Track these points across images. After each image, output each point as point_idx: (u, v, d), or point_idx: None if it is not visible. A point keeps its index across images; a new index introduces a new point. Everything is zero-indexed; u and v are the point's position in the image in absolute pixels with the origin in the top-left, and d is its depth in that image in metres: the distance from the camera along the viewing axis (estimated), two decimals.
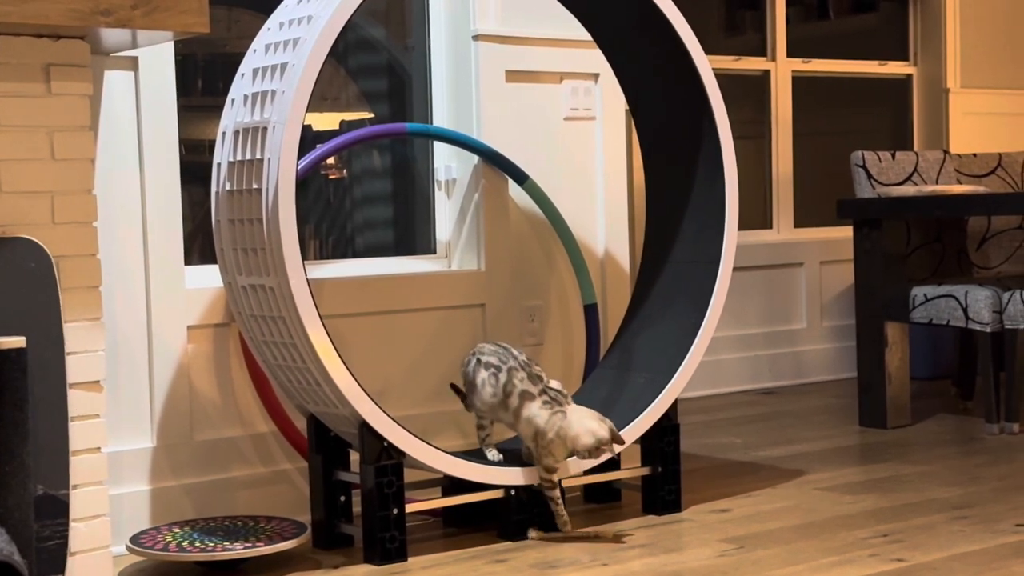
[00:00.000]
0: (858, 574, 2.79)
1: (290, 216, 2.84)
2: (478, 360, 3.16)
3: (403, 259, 3.84)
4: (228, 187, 3.01)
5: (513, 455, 3.21)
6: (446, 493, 3.26)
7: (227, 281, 3.09)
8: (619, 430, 3.26)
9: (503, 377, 3.13)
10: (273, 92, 2.91)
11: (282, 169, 2.83)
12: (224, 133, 3.05)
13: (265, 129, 2.90)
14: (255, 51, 3.05)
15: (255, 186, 2.91)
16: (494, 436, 3.22)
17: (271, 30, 3.05)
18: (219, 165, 3.06)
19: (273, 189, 2.84)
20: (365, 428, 2.95)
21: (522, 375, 3.14)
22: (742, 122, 5.63)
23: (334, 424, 3.09)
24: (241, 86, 3.04)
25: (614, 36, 3.58)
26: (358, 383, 2.93)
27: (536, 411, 3.11)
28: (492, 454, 3.17)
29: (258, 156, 2.91)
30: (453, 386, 3.27)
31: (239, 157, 2.98)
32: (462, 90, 3.79)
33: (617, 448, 3.13)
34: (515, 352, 3.17)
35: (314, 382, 2.96)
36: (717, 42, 5.85)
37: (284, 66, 2.91)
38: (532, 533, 3.16)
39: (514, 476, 3.14)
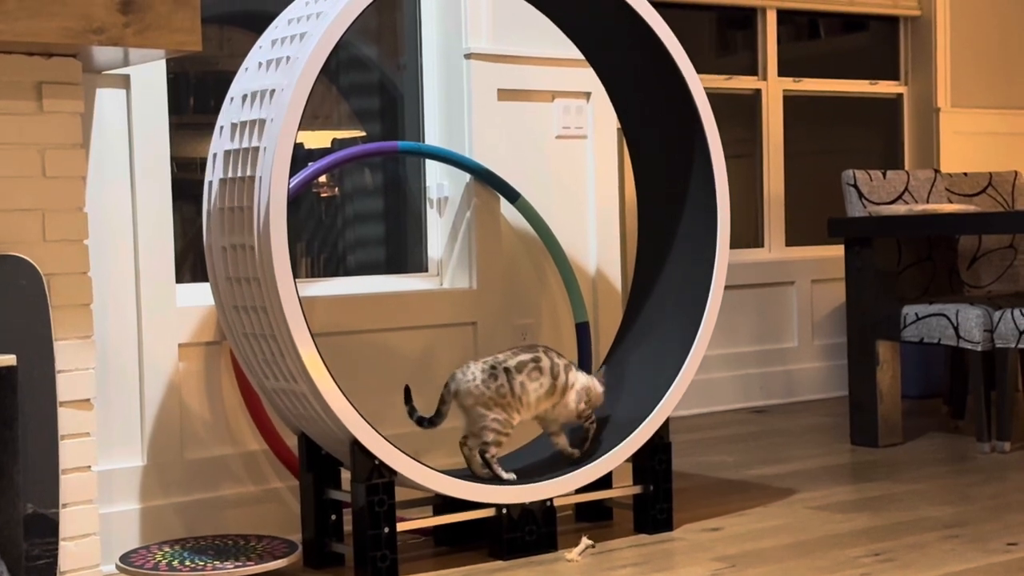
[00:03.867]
0: None
1: (281, 236, 2.83)
2: (506, 370, 3.14)
3: (395, 277, 3.84)
4: (219, 206, 3.01)
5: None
6: (437, 512, 3.25)
7: (219, 302, 3.08)
8: (611, 449, 3.28)
9: (546, 363, 3.21)
10: (270, 91, 2.91)
11: (273, 185, 2.83)
12: (215, 154, 3.05)
13: (256, 149, 2.90)
14: (247, 69, 3.06)
15: (246, 204, 2.91)
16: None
17: (263, 48, 3.05)
18: (210, 183, 3.06)
19: (264, 208, 2.84)
20: (356, 446, 2.94)
21: (552, 352, 3.25)
22: (733, 141, 5.64)
23: (325, 442, 3.09)
24: (229, 112, 3.04)
25: (606, 55, 3.59)
26: (349, 401, 2.92)
27: (582, 377, 3.28)
28: (508, 475, 3.16)
29: (249, 174, 2.91)
30: (408, 390, 3.17)
31: (231, 175, 2.98)
32: (454, 108, 3.79)
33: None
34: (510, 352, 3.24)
35: (304, 399, 2.95)
36: (708, 61, 5.87)
37: (273, 92, 2.91)
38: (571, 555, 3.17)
39: (505, 494, 3.14)
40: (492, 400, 3.12)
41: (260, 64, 3.01)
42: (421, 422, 3.14)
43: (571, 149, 3.95)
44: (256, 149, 2.89)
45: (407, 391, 3.15)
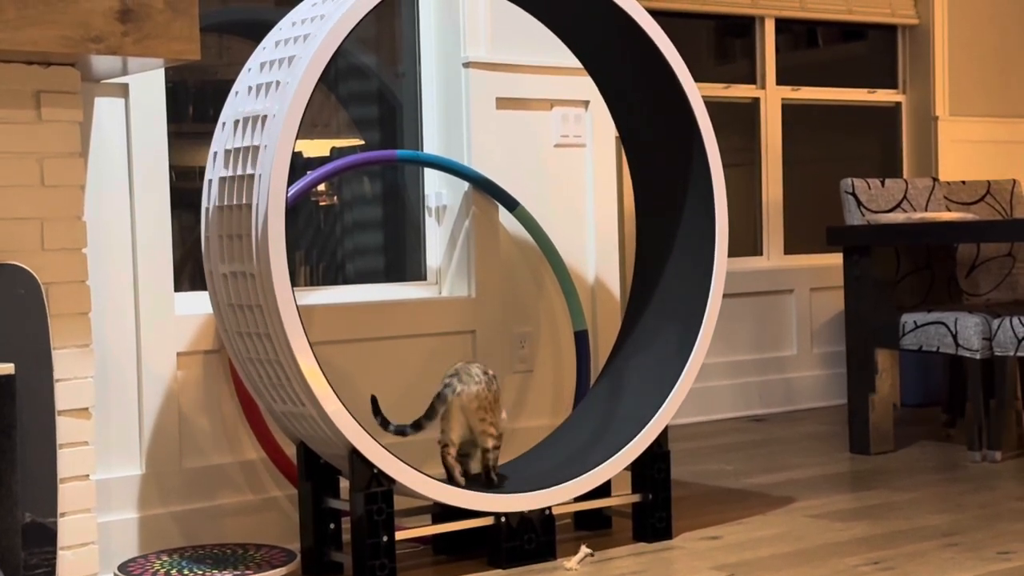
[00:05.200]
0: None
1: (280, 254, 2.83)
2: (494, 376, 3.18)
3: (393, 285, 3.84)
4: (219, 203, 3.01)
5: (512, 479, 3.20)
6: (436, 520, 3.25)
7: (221, 326, 3.08)
8: (610, 456, 3.27)
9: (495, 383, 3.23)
10: (266, 110, 2.91)
11: (272, 191, 2.83)
12: (210, 180, 3.06)
13: (252, 176, 2.89)
14: (249, 70, 3.06)
15: (245, 232, 2.91)
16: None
17: (251, 72, 3.05)
18: (210, 181, 3.06)
19: (263, 210, 2.84)
20: (355, 455, 2.94)
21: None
22: (732, 149, 5.65)
23: (323, 451, 3.08)
24: (233, 104, 3.05)
25: (604, 64, 3.59)
26: (348, 411, 2.92)
27: None
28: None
29: (249, 171, 2.91)
30: (374, 400, 3.15)
31: (228, 202, 2.98)
32: (452, 117, 3.79)
33: None
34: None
35: (299, 401, 2.95)
36: (707, 70, 5.87)
37: (265, 118, 2.91)
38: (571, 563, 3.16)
39: (504, 503, 3.13)
40: (491, 403, 3.13)
41: (250, 88, 3.01)
42: (403, 431, 3.10)
43: (569, 157, 3.95)
44: (251, 176, 2.89)
45: (373, 401, 3.12)
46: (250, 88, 3.00)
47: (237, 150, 2.96)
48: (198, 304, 3.34)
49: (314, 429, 2.99)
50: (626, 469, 3.35)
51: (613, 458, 3.28)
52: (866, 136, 6.34)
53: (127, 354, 3.21)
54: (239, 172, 2.94)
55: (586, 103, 3.94)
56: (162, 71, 3.21)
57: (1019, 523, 3.45)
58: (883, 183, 4.89)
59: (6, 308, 2.65)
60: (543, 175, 3.89)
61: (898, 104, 6.26)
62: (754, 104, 5.88)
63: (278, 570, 2.96)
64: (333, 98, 4.03)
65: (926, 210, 4.91)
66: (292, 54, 2.93)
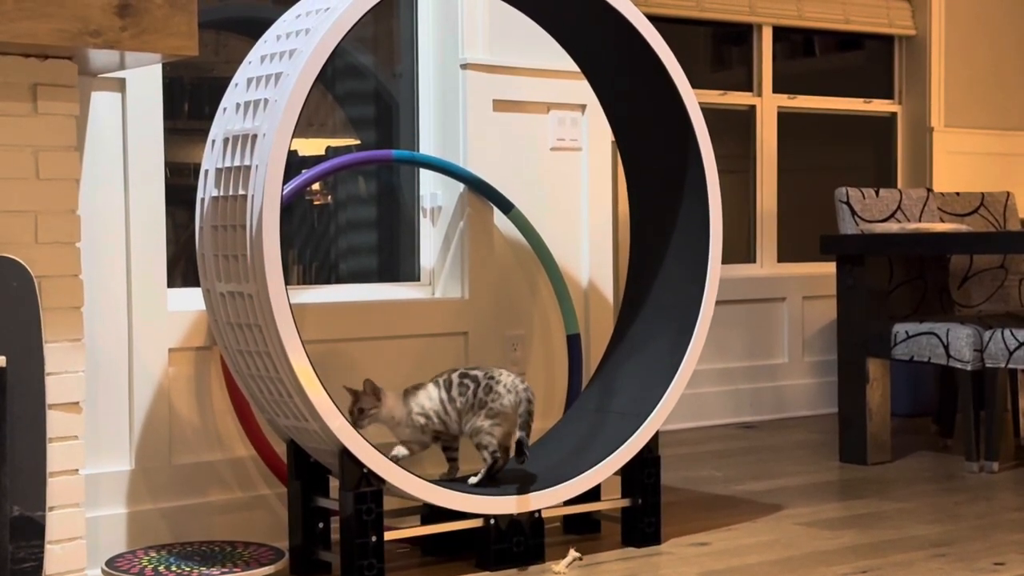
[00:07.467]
0: None
1: (275, 251, 2.83)
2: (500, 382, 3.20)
3: (386, 286, 3.83)
4: (212, 222, 3.01)
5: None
6: (425, 521, 3.25)
7: (212, 318, 3.07)
8: (600, 460, 3.27)
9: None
10: (266, 100, 2.91)
11: (266, 198, 2.83)
12: (207, 171, 3.05)
13: (246, 188, 2.89)
14: (236, 85, 3.06)
15: (241, 192, 2.90)
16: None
17: (252, 64, 3.05)
18: (202, 201, 3.06)
19: (257, 215, 2.84)
20: (345, 455, 2.94)
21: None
22: (727, 156, 5.65)
23: (314, 450, 3.08)
24: (233, 95, 3.04)
25: (601, 68, 3.59)
26: (339, 410, 2.92)
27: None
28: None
29: (241, 192, 2.91)
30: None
31: (223, 192, 2.98)
32: (449, 118, 3.79)
33: None
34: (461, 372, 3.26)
35: (288, 396, 2.94)
36: (704, 76, 5.88)
37: (256, 138, 2.91)
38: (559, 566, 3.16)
39: (493, 505, 3.13)
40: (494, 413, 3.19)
41: (264, 56, 3.00)
42: (521, 453, 3.09)
43: (565, 161, 3.95)
44: (244, 196, 2.89)
45: (521, 446, 3.10)
46: (237, 105, 2.99)
47: (228, 169, 2.96)
48: (191, 300, 3.34)
49: (298, 416, 2.98)
50: (616, 473, 3.35)
51: (603, 462, 3.28)
52: (861, 146, 6.35)
53: (119, 349, 3.21)
54: (231, 192, 2.94)
55: (583, 107, 3.94)
56: (159, 67, 3.21)
57: (1016, 533, 3.45)
58: (877, 193, 4.90)
59: None
60: (538, 178, 3.89)
61: (893, 114, 6.27)
62: (750, 111, 5.88)
63: (266, 568, 2.96)
64: (330, 97, 4.03)
65: (920, 220, 4.92)
66: (294, 47, 2.93)
